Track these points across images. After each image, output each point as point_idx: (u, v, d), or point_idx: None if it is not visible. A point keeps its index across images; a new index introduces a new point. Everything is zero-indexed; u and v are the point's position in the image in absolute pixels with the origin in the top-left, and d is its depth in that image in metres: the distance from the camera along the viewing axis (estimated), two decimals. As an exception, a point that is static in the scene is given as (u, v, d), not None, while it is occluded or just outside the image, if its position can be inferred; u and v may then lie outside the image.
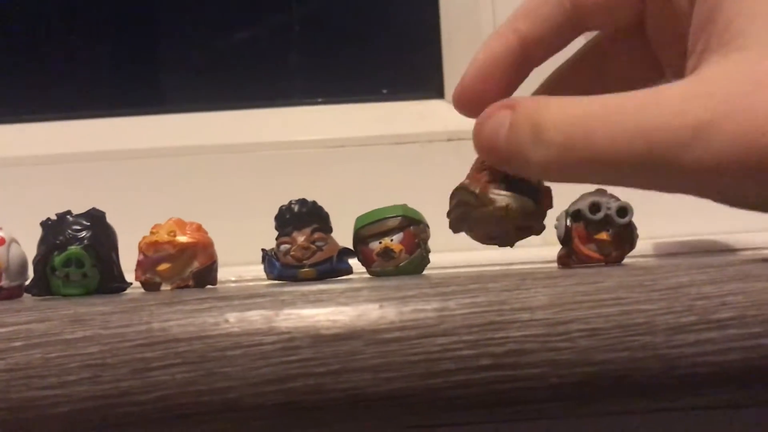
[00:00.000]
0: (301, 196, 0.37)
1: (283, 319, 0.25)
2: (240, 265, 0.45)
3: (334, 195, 0.40)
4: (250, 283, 0.45)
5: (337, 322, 0.25)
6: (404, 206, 0.37)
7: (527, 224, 0.32)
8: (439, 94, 0.55)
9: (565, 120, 0.27)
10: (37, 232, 0.35)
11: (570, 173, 0.28)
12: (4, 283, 0.34)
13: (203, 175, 0.51)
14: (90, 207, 0.35)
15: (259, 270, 0.40)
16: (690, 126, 0.25)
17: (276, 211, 0.37)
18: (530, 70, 0.34)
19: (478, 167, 0.33)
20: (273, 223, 0.37)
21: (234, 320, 0.25)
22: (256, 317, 0.25)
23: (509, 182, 0.31)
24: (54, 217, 0.35)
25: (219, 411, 0.25)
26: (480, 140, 0.31)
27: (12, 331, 0.25)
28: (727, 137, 0.25)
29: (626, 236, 0.34)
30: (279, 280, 0.36)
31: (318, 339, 0.25)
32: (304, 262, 0.36)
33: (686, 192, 0.27)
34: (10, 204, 0.49)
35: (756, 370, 0.25)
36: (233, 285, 0.43)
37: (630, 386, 0.25)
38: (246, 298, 0.26)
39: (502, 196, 0.32)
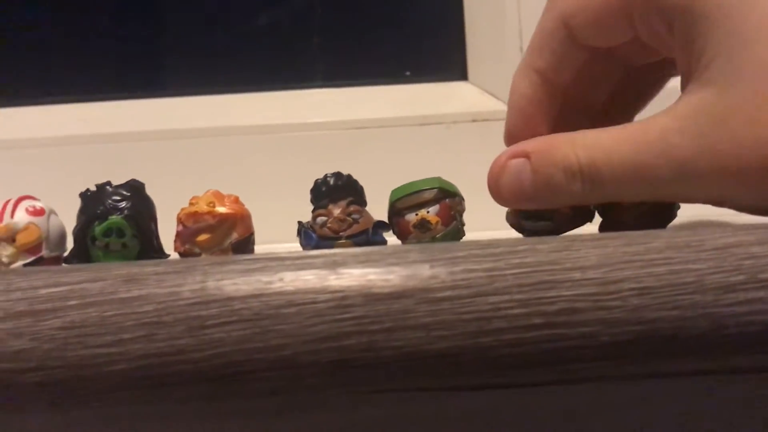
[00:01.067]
0: None
1: (336, 278, 0.25)
2: (273, 242, 0.45)
3: (361, 175, 0.40)
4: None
5: (389, 281, 0.25)
6: (440, 179, 0.37)
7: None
8: (462, 75, 0.56)
9: (582, 164, 0.30)
10: (72, 212, 0.35)
11: (593, 201, 0.32)
12: (45, 252, 0.34)
13: (235, 155, 0.51)
14: None
15: (294, 247, 0.40)
16: (674, 164, 0.29)
17: (302, 190, 0.37)
18: (570, 97, 0.36)
19: None
20: (300, 202, 0.38)
21: (288, 279, 0.25)
22: (309, 276, 0.25)
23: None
24: (93, 188, 0.35)
25: (274, 368, 0.25)
26: (500, 192, 0.34)
27: (67, 290, 0.25)
28: (702, 173, 0.28)
29: (665, 207, 0.34)
30: (316, 251, 0.36)
31: (371, 297, 0.25)
32: (341, 234, 0.36)
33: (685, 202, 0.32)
34: (50, 181, 0.49)
35: (805, 329, 0.25)
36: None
37: (680, 345, 0.25)
38: (298, 258, 0.26)
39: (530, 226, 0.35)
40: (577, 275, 0.25)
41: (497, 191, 0.34)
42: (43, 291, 0.25)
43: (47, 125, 0.52)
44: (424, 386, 0.26)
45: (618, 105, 0.38)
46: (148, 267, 0.26)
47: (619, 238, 0.26)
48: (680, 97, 0.30)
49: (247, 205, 0.39)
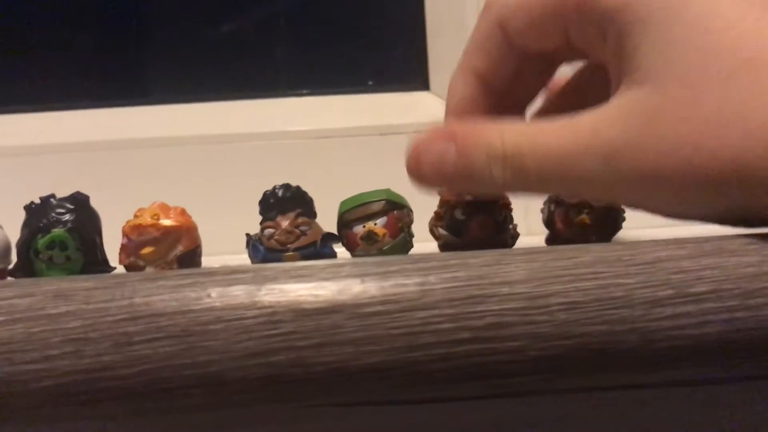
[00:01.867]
0: None
1: (265, 293, 0.25)
2: (223, 254, 0.45)
3: (320, 185, 0.40)
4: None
5: (319, 296, 0.25)
6: (388, 191, 0.37)
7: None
8: (424, 86, 0.56)
9: (508, 150, 0.30)
10: (20, 221, 0.35)
11: (519, 190, 0.31)
12: (-12, 266, 0.34)
13: (188, 166, 0.51)
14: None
15: (242, 259, 0.40)
16: (599, 157, 0.28)
17: (253, 204, 0.37)
18: (507, 98, 0.36)
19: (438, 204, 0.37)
20: (257, 214, 0.37)
21: (216, 295, 0.25)
22: (238, 292, 0.25)
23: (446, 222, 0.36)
24: (37, 201, 0.35)
25: (201, 384, 0.25)
26: (420, 171, 0.33)
27: (-6, 306, 0.25)
28: (628, 167, 0.28)
29: (608, 219, 0.35)
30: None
31: (300, 313, 0.25)
32: (288, 246, 0.36)
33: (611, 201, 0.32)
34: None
35: (732, 343, 0.25)
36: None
37: (608, 359, 0.25)
38: (228, 273, 0.26)
39: (441, 235, 0.36)
40: (506, 290, 0.25)
41: (416, 169, 0.33)
42: (-30, 307, 0.25)
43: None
44: (355, 401, 0.26)
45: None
46: (78, 282, 0.26)
47: (549, 252, 0.27)
48: (612, 97, 0.30)
49: (201, 217, 0.38)
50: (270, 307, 0.25)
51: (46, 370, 0.25)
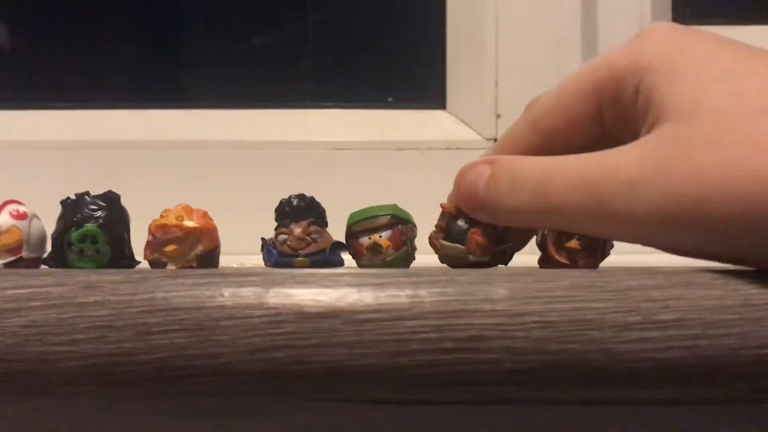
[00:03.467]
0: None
1: (271, 296, 0.28)
2: (241, 254, 0.48)
3: (335, 194, 0.43)
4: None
5: (319, 301, 0.28)
6: (395, 206, 0.40)
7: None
8: (441, 105, 0.58)
9: (535, 172, 0.32)
10: (55, 213, 0.38)
11: (537, 219, 0.33)
12: (25, 254, 0.37)
13: (213, 169, 0.54)
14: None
15: (258, 259, 0.43)
16: (620, 181, 0.29)
17: (272, 208, 0.40)
18: None
19: (440, 217, 0.38)
20: (272, 218, 0.40)
21: (228, 295, 0.28)
22: (248, 293, 0.28)
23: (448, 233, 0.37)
24: (73, 197, 0.38)
25: (210, 374, 0.28)
26: (460, 188, 0.35)
27: (32, 293, 0.28)
28: (650, 193, 0.29)
29: (596, 246, 0.37)
30: (276, 267, 0.39)
31: (301, 315, 0.28)
32: (299, 252, 0.39)
33: (630, 240, 0.31)
34: (33, 185, 0.52)
35: (693, 368, 0.28)
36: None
37: (578, 375, 0.28)
38: (240, 276, 0.29)
39: (443, 246, 0.37)
40: (488, 306, 0.28)
41: (458, 187, 0.35)
42: (10, 292, 0.28)
43: (33, 130, 0.56)
44: (347, 398, 0.29)
45: None
46: (106, 276, 0.29)
47: (531, 275, 0.29)
48: (638, 139, 0.31)
49: (224, 217, 0.41)
50: (275, 308, 0.28)
51: (74, 352, 0.28)
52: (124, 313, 0.28)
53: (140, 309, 0.28)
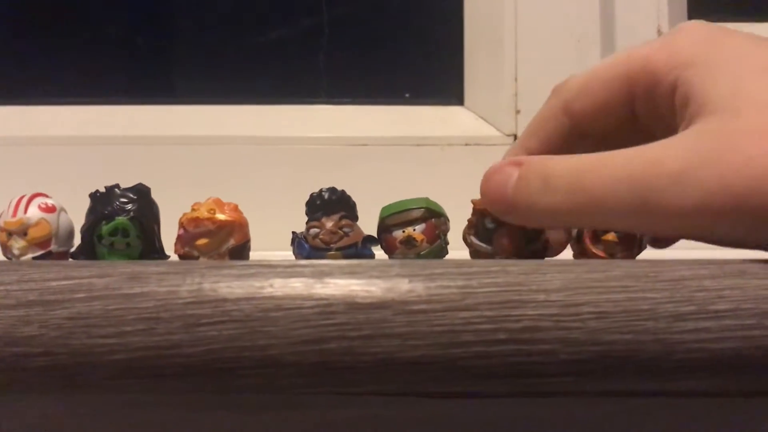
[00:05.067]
0: None
1: (321, 286, 0.28)
2: (264, 250, 0.47)
3: (356, 190, 0.42)
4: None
5: (370, 292, 0.28)
6: (427, 199, 0.39)
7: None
8: (459, 100, 0.58)
9: (569, 170, 0.31)
10: (83, 207, 0.38)
11: (573, 218, 0.32)
12: (53, 247, 0.37)
13: (238, 164, 0.54)
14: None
15: (283, 255, 0.42)
16: (666, 174, 0.29)
17: (299, 202, 0.40)
18: None
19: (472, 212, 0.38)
20: (296, 212, 0.40)
21: (278, 285, 0.28)
22: (297, 284, 0.28)
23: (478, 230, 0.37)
24: (102, 190, 0.37)
25: (260, 366, 0.27)
26: (487, 192, 0.35)
27: (76, 284, 0.28)
28: (699, 184, 0.28)
29: (634, 238, 0.37)
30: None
31: (353, 306, 0.27)
32: (332, 245, 0.38)
33: (674, 234, 0.31)
34: (61, 179, 0.52)
35: (748, 358, 0.27)
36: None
37: (633, 366, 0.27)
38: (288, 267, 0.29)
39: (472, 243, 0.38)
40: (542, 297, 0.27)
41: (484, 191, 0.35)
42: (54, 283, 0.28)
43: (60, 124, 0.55)
44: (398, 391, 0.28)
45: None
46: (150, 267, 0.29)
47: (583, 265, 0.29)
48: (679, 133, 0.31)
49: (245, 213, 0.41)
50: (325, 299, 0.28)
51: (120, 345, 0.27)
52: (171, 304, 0.27)
53: (187, 300, 0.27)
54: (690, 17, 0.58)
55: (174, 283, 0.28)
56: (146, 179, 0.42)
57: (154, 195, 0.39)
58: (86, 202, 0.38)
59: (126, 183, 0.38)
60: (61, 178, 0.52)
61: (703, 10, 0.59)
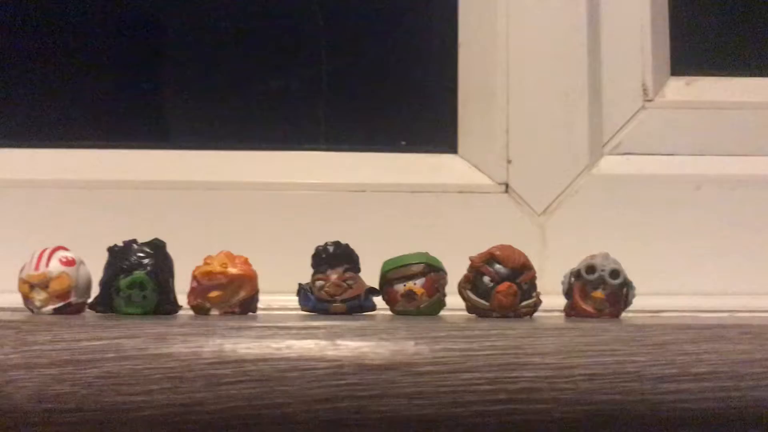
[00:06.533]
0: (319, 235, 0.43)
1: (334, 348, 0.30)
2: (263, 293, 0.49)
3: (353, 235, 0.44)
4: (278, 312, 0.49)
5: (379, 354, 0.30)
6: (427, 254, 0.42)
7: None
8: (452, 149, 0.60)
9: None
10: (97, 254, 0.40)
11: None
12: (73, 299, 0.39)
13: (237, 208, 0.56)
14: (136, 229, 0.40)
15: (283, 300, 0.45)
16: None
17: (298, 245, 0.42)
18: None
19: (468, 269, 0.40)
20: (294, 256, 0.42)
21: (293, 347, 0.30)
22: (311, 345, 0.30)
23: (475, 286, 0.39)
24: (120, 244, 0.39)
25: (276, 423, 0.29)
26: None
27: (105, 344, 0.30)
28: None
29: (620, 296, 0.39)
30: (313, 312, 0.41)
31: (363, 367, 0.30)
32: (336, 297, 0.40)
33: None
34: (75, 224, 0.54)
35: (725, 417, 0.30)
36: (280, 314, 0.47)
37: (620, 424, 0.30)
38: (303, 328, 0.31)
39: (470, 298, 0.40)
40: (538, 360, 0.30)
41: None
42: (85, 343, 0.30)
43: (75, 168, 0.57)
44: (403, 446, 0.30)
45: None
46: (175, 327, 0.31)
47: (575, 329, 0.31)
48: None
49: (244, 254, 0.43)
50: (338, 360, 0.30)
51: (147, 402, 0.29)
52: (195, 364, 0.30)
53: (210, 360, 0.30)
54: (673, 72, 0.61)
55: (197, 344, 0.30)
56: (146, 222, 0.44)
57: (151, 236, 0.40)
58: (91, 246, 0.39)
59: (125, 226, 0.40)
60: (68, 221, 0.54)
61: (686, 65, 0.62)
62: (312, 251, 0.42)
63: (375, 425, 0.29)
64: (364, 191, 0.58)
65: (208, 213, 0.56)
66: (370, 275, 0.42)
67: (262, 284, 0.46)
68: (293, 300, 0.43)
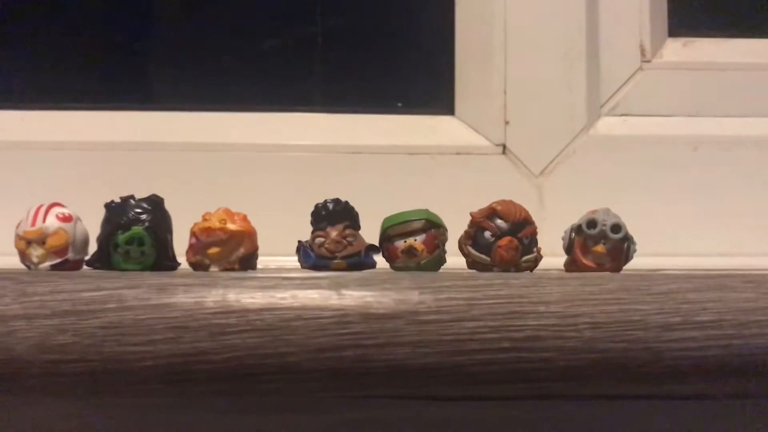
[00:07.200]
0: (315, 197, 0.42)
1: (338, 298, 0.30)
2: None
3: (350, 196, 0.44)
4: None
5: (383, 303, 0.30)
6: (428, 211, 0.41)
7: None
8: (449, 110, 0.60)
9: None
10: (94, 215, 0.39)
11: None
12: (70, 255, 0.38)
13: (236, 170, 0.56)
14: (134, 192, 0.39)
15: (281, 261, 0.44)
16: None
17: (295, 206, 0.42)
18: None
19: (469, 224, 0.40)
20: (292, 216, 0.42)
21: (298, 296, 0.30)
22: (315, 295, 0.30)
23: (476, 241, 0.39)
24: (118, 200, 0.39)
25: (280, 372, 0.29)
26: None
27: (107, 295, 0.30)
28: None
29: (621, 250, 0.39)
30: (313, 269, 0.40)
31: (367, 316, 0.30)
32: (336, 254, 0.40)
33: None
34: (73, 186, 0.53)
35: (729, 365, 0.30)
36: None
37: (624, 372, 0.30)
38: (306, 279, 0.31)
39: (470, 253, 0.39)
40: (542, 308, 0.30)
41: None
42: (86, 294, 0.30)
43: (72, 130, 0.57)
44: (408, 395, 0.30)
45: None
46: (177, 278, 0.30)
47: (579, 278, 0.31)
48: None
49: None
50: (342, 309, 0.30)
51: (150, 352, 0.29)
52: (198, 314, 0.29)
53: (213, 310, 0.29)
54: (671, 33, 0.61)
55: (200, 294, 0.30)
56: (144, 184, 0.43)
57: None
58: (89, 207, 0.39)
59: (121, 188, 0.40)
60: (65, 182, 0.54)
61: (684, 26, 0.61)
62: (308, 214, 0.41)
63: (379, 374, 0.29)
64: (360, 153, 0.57)
65: (203, 175, 0.56)
66: (367, 238, 0.42)
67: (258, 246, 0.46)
68: (290, 261, 0.42)
